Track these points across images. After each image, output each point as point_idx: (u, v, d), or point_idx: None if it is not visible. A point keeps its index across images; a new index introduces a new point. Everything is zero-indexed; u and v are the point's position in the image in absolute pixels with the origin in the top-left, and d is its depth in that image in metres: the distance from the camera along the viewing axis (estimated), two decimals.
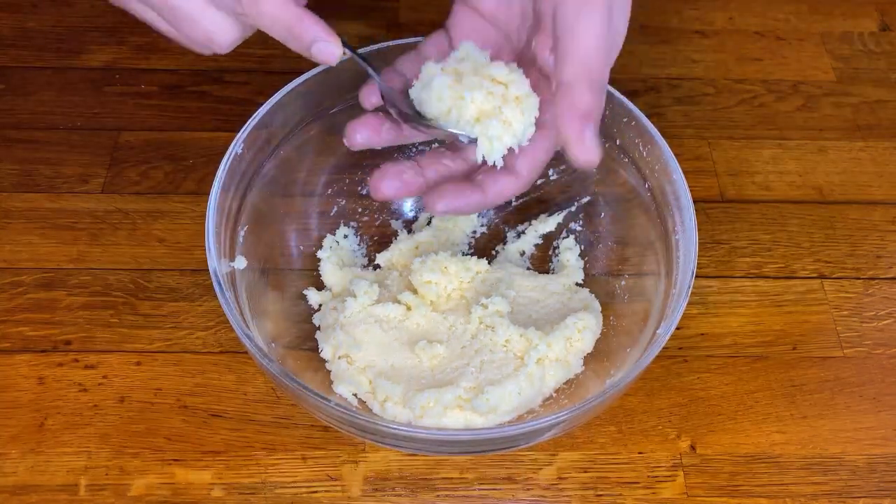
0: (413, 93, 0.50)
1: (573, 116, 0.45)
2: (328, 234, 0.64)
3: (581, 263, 0.63)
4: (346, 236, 0.64)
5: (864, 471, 0.57)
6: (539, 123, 0.50)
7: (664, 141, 0.57)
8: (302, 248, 0.63)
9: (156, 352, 0.61)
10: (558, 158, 0.63)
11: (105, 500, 0.55)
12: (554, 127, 0.48)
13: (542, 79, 0.50)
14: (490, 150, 0.48)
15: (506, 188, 0.50)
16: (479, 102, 0.48)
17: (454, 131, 0.48)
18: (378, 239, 0.65)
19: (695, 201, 0.55)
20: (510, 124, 0.48)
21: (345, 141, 0.51)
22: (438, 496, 0.56)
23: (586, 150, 0.45)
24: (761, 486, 0.56)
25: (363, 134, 0.51)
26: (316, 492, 0.55)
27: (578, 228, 0.65)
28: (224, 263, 0.54)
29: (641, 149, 0.58)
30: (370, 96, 0.51)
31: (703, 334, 0.63)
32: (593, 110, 0.45)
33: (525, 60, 0.51)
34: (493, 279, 0.61)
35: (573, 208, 0.65)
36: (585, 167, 0.47)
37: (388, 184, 0.50)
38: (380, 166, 0.50)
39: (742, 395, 0.60)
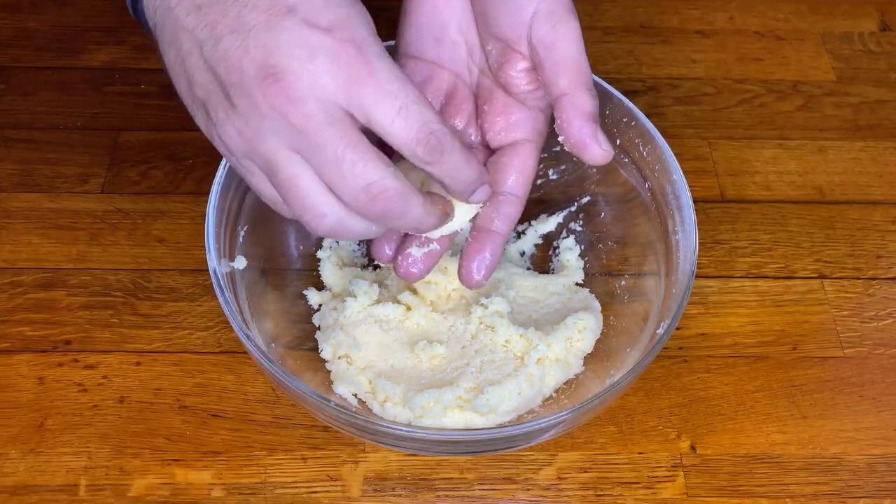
0: None
1: (582, 121, 0.48)
2: None
3: (581, 263, 0.63)
4: None
5: (865, 471, 0.57)
6: (524, 140, 0.52)
7: (664, 141, 0.57)
8: (302, 248, 0.63)
9: (155, 352, 0.61)
10: (558, 159, 0.64)
11: (105, 500, 0.55)
12: (538, 140, 0.52)
13: (510, 101, 0.53)
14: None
15: (513, 214, 0.52)
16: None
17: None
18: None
19: (695, 201, 0.55)
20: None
21: (380, 262, 0.54)
22: (438, 496, 0.56)
23: (602, 149, 0.48)
24: (761, 487, 0.56)
25: (390, 247, 0.53)
26: (316, 492, 0.55)
27: (578, 228, 0.65)
28: (224, 263, 0.54)
29: (641, 149, 0.58)
30: (387, 251, 0.53)
31: (703, 334, 0.63)
32: (595, 111, 0.49)
33: (483, 91, 0.53)
34: (493, 279, 0.61)
35: (573, 208, 0.65)
36: (601, 164, 0.50)
37: (418, 268, 0.53)
38: (404, 255, 0.53)
39: (742, 395, 0.60)
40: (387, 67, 0.42)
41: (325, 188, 0.43)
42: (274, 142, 0.42)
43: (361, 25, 0.42)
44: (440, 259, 0.54)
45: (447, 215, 0.48)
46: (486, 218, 0.52)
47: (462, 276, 0.53)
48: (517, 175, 0.52)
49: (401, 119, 0.42)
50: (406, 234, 0.52)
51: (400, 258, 0.53)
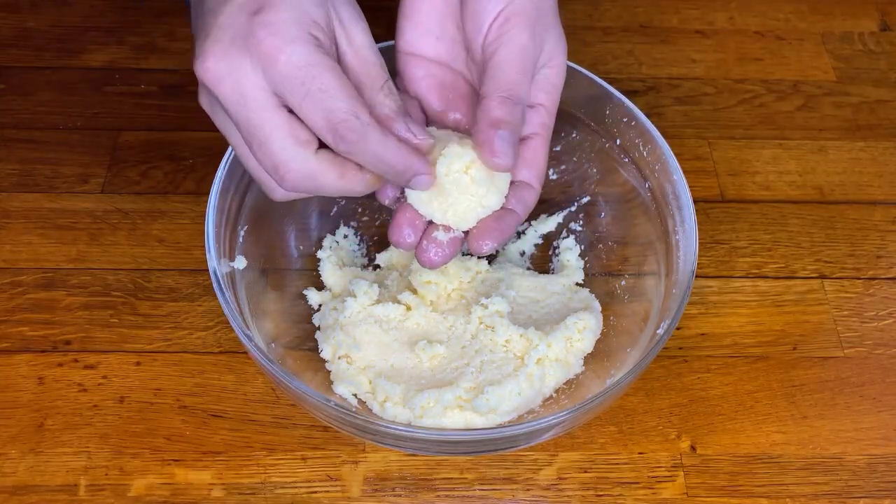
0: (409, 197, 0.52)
1: (485, 126, 0.48)
2: (328, 234, 0.64)
3: (581, 263, 0.63)
4: (346, 236, 0.64)
5: (865, 471, 0.57)
6: (532, 135, 0.52)
7: (664, 141, 0.57)
8: (302, 248, 0.63)
9: (155, 352, 0.61)
10: (558, 159, 0.64)
11: (105, 501, 0.55)
12: (545, 133, 0.52)
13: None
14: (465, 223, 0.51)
15: (529, 199, 0.52)
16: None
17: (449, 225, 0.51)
18: (378, 239, 0.65)
19: (695, 201, 0.55)
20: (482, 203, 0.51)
21: (398, 247, 0.52)
22: (438, 496, 0.56)
23: (496, 155, 0.48)
24: (761, 487, 0.56)
25: (410, 234, 0.51)
26: (316, 492, 0.55)
27: (578, 228, 0.65)
28: (224, 263, 0.54)
29: (641, 149, 0.58)
30: (387, 193, 0.52)
31: (703, 334, 0.63)
32: (503, 119, 0.48)
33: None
34: (493, 279, 0.61)
35: (573, 208, 0.65)
36: (497, 170, 0.50)
37: (444, 254, 0.51)
38: (429, 239, 0.51)
39: (742, 395, 0.60)
40: (297, 52, 0.43)
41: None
42: (221, 114, 0.46)
43: (288, 9, 0.44)
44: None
45: (377, 181, 0.48)
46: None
47: (471, 239, 0.51)
48: (529, 167, 0.52)
49: (306, 106, 0.43)
50: (430, 222, 0.51)
51: (425, 243, 0.51)
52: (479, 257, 0.62)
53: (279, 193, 0.48)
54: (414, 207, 0.51)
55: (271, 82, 0.43)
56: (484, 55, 0.50)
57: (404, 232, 0.51)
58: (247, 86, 0.43)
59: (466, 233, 0.51)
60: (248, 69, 0.43)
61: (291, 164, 0.44)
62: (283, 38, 0.43)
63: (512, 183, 0.51)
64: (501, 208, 0.51)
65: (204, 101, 0.47)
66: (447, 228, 0.51)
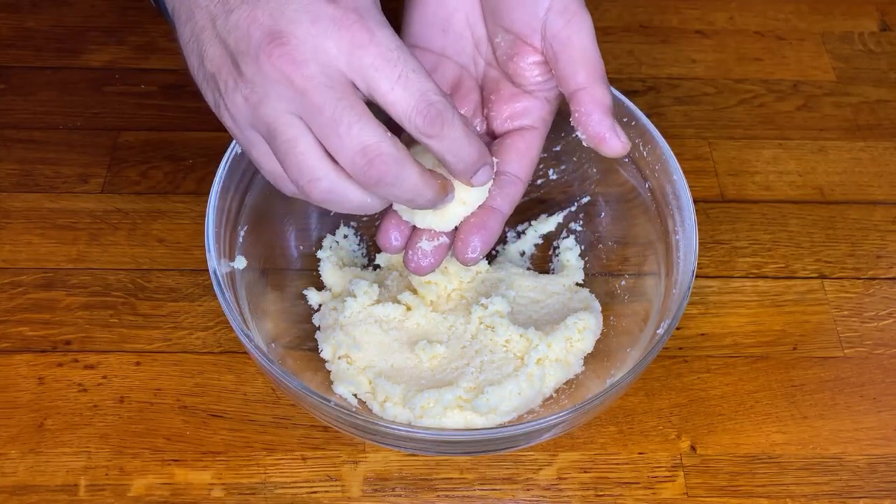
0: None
1: (601, 114, 0.49)
2: (328, 234, 0.64)
3: (581, 263, 0.63)
4: (346, 236, 0.64)
5: (865, 471, 0.57)
6: (529, 127, 0.53)
7: (664, 141, 0.57)
8: (302, 248, 0.63)
9: (155, 352, 0.61)
10: (558, 158, 0.64)
11: (105, 501, 0.55)
12: (542, 128, 0.53)
13: (517, 91, 0.53)
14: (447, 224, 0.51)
15: (516, 194, 0.53)
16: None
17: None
18: None
19: (695, 201, 0.55)
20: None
21: (386, 252, 0.54)
22: (438, 496, 0.56)
23: (621, 142, 0.49)
24: (761, 487, 0.56)
25: (397, 237, 0.52)
26: (316, 492, 0.55)
27: (578, 228, 0.65)
28: (224, 263, 0.54)
29: (641, 149, 0.58)
30: (393, 241, 0.52)
31: (703, 334, 0.63)
32: (612, 104, 0.50)
33: (489, 82, 0.54)
34: (493, 279, 0.61)
35: (573, 208, 0.65)
36: (619, 156, 0.50)
37: (429, 261, 0.52)
38: (414, 249, 0.52)
39: (742, 395, 0.60)
40: (388, 35, 0.42)
41: (321, 153, 0.43)
42: (277, 105, 0.42)
43: None
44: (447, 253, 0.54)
45: (445, 192, 0.47)
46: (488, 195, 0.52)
47: (457, 251, 0.52)
48: (520, 158, 0.52)
49: (400, 87, 0.42)
50: (415, 228, 0.52)
51: (410, 252, 0.52)
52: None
53: (323, 188, 0.44)
54: (398, 213, 0.52)
55: (357, 67, 0.42)
56: (553, 45, 0.50)
57: (391, 236, 0.52)
58: (332, 69, 0.42)
59: (453, 238, 0.52)
60: (333, 52, 0.42)
61: (383, 147, 0.42)
62: (372, 22, 0.42)
63: (500, 175, 0.52)
64: (485, 207, 0.51)
65: (257, 94, 0.43)
66: (432, 236, 0.52)
